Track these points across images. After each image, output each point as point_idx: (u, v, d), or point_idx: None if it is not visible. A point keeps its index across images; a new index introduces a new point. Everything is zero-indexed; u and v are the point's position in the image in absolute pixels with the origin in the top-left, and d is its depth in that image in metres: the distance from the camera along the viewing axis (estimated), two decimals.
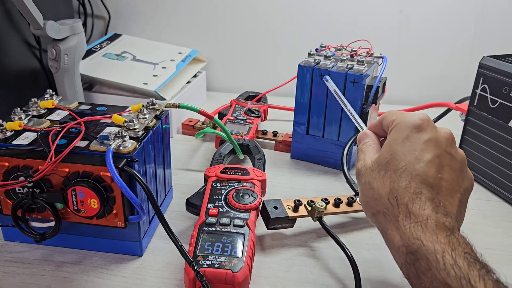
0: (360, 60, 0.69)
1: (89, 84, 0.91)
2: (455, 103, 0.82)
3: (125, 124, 0.49)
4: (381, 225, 0.40)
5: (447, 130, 0.42)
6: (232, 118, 0.79)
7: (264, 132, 0.82)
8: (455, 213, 0.39)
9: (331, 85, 0.65)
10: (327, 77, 0.66)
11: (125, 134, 0.47)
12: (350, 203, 0.58)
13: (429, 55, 1.05)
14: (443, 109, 0.86)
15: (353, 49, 0.75)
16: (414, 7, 1.00)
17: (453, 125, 0.87)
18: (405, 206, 0.38)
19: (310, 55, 0.73)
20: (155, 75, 0.87)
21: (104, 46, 0.97)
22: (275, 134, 0.82)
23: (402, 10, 1.01)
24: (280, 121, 0.93)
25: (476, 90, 0.69)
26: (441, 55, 1.04)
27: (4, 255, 0.51)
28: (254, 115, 0.81)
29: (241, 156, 0.67)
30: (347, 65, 0.69)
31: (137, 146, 0.47)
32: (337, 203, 0.57)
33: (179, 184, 0.67)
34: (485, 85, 0.67)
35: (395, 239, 0.38)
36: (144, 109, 0.53)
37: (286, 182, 0.70)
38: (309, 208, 0.55)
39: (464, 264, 0.33)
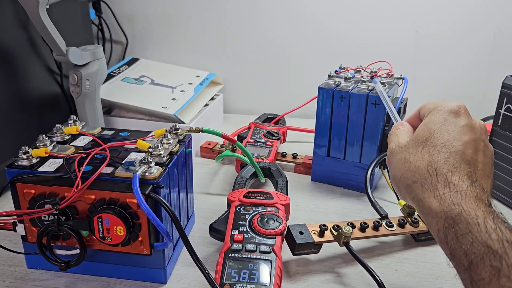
0: (382, 81, 0.68)
1: (108, 108, 0.92)
2: None
3: (150, 150, 0.49)
4: (417, 195, 0.40)
5: (481, 121, 0.45)
6: (251, 141, 0.79)
7: (284, 154, 0.81)
8: (489, 193, 0.39)
9: (378, 86, 0.66)
10: (376, 79, 0.67)
11: (151, 160, 0.47)
12: (376, 227, 0.57)
13: (445, 75, 1.04)
14: None
15: (373, 70, 0.75)
16: (430, 28, 1.00)
17: None
18: (444, 176, 0.39)
19: (330, 77, 0.73)
20: (173, 99, 0.88)
21: (123, 71, 0.98)
22: (294, 156, 0.81)
23: (418, 30, 1.01)
24: (299, 143, 0.92)
25: (500, 110, 0.68)
26: (458, 74, 1.03)
27: (27, 283, 0.51)
28: (274, 137, 0.81)
29: (263, 180, 0.67)
30: (368, 86, 0.69)
31: (162, 172, 0.47)
32: (363, 227, 0.56)
33: (200, 208, 0.66)
34: (509, 105, 0.66)
35: (433, 205, 0.38)
36: (168, 134, 0.53)
37: (308, 206, 0.69)
38: (335, 233, 0.54)
39: (505, 230, 0.34)
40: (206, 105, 0.94)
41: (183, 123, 0.83)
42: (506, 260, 0.32)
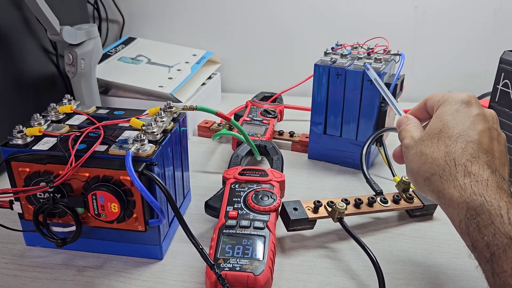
0: (378, 58, 0.68)
1: (105, 88, 0.91)
2: None
3: (144, 128, 0.49)
4: (436, 187, 0.40)
5: (492, 110, 0.44)
6: (248, 119, 0.79)
7: (281, 133, 0.81)
8: (509, 183, 0.39)
9: (372, 73, 0.64)
10: (368, 65, 0.65)
11: (144, 138, 0.47)
12: (370, 203, 0.57)
13: (445, 51, 1.03)
14: None
15: (370, 47, 0.74)
16: (430, 3, 0.98)
17: None
18: (463, 166, 0.38)
19: (326, 54, 0.73)
20: (170, 78, 0.87)
21: (119, 50, 0.97)
22: (291, 134, 0.81)
23: (417, 6, 0.99)
24: (296, 121, 0.92)
25: (498, 86, 0.67)
26: (458, 51, 1.02)
27: (26, 260, 0.52)
28: (270, 115, 0.81)
29: (259, 158, 0.67)
30: (364, 63, 0.68)
31: (156, 150, 0.47)
32: (358, 204, 0.56)
33: (197, 186, 0.67)
34: (506, 81, 0.65)
35: (454, 196, 0.38)
36: (162, 112, 0.53)
37: (304, 183, 0.70)
38: (329, 209, 0.54)
39: None
40: (203, 84, 0.94)
41: (180, 102, 0.83)
42: None
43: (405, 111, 0.51)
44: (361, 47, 0.76)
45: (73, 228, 0.48)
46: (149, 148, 0.46)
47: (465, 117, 0.42)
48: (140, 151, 0.46)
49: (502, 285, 0.33)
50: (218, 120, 0.86)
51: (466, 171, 0.38)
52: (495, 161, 0.39)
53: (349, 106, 0.69)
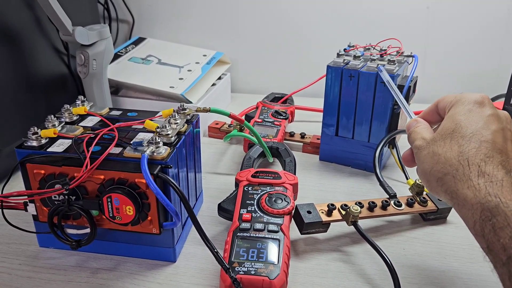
0: (391, 59, 0.67)
1: (115, 88, 0.92)
2: None
3: (158, 130, 0.49)
4: (449, 187, 0.39)
5: (505, 111, 0.44)
6: (259, 120, 0.79)
7: (292, 134, 0.81)
8: None
9: (385, 75, 0.64)
10: (381, 67, 0.65)
11: (159, 140, 0.47)
12: (384, 206, 0.57)
13: (457, 52, 1.02)
14: None
15: (382, 48, 0.74)
16: (442, 3, 0.98)
17: None
18: (477, 166, 0.38)
19: (338, 55, 0.72)
20: (181, 78, 0.87)
21: (129, 50, 0.97)
22: (302, 136, 0.81)
23: (429, 6, 0.98)
24: (307, 122, 0.92)
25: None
26: (470, 52, 1.02)
27: (40, 261, 0.52)
28: (282, 117, 0.80)
29: (271, 159, 0.66)
30: (377, 65, 0.68)
31: (171, 152, 0.47)
32: (371, 207, 0.56)
33: (208, 188, 0.67)
34: None
35: (468, 197, 0.37)
36: (176, 114, 0.53)
37: (316, 185, 0.69)
38: (343, 212, 0.54)
39: None
40: (213, 84, 0.94)
41: (191, 102, 0.83)
42: None
43: (416, 113, 0.50)
44: (374, 48, 0.75)
45: (87, 230, 0.48)
46: (164, 151, 0.46)
47: (478, 117, 0.41)
48: (155, 154, 0.46)
49: None
50: (228, 121, 0.86)
51: (480, 171, 0.37)
52: (510, 162, 0.38)
53: (361, 108, 0.69)
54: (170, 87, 0.84)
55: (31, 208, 0.49)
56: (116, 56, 0.94)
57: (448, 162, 0.40)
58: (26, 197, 0.48)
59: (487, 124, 0.40)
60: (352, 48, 0.75)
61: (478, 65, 1.03)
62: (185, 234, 0.55)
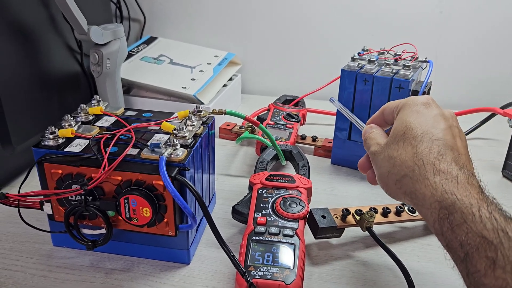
0: (406, 64, 0.67)
1: (127, 87, 0.92)
2: (501, 108, 0.79)
3: (175, 132, 0.49)
4: (408, 188, 0.40)
5: (450, 110, 0.45)
6: (271, 123, 0.79)
7: (303, 137, 0.81)
8: (478, 178, 0.39)
9: (337, 104, 0.67)
10: (333, 98, 0.67)
11: (176, 142, 0.47)
12: (398, 212, 0.56)
13: (470, 57, 1.02)
14: (485, 114, 0.83)
15: (397, 53, 0.73)
16: (455, 8, 0.97)
17: (499, 130, 0.84)
18: (432, 165, 0.38)
19: (353, 59, 0.72)
20: (193, 79, 0.87)
21: (141, 50, 0.98)
22: (314, 139, 0.80)
23: (442, 11, 0.98)
24: (318, 125, 0.91)
25: None
26: (484, 57, 1.01)
27: (54, 260, 0.52)
28: (294, 119, 0.80)
29: (284, 162, 0.66)
30: (392, 69, 0.67)
31: (188, 154, 0.47)
32: (386, 213, 0.56)
33: (221, 189, 0.67)
34: None
35: (426, 196, 0.38)
36: (192, 116, 0.53)
37: (328, 189, 0.69)
38: (358, 218, 0.54)
39: (500, 218, 0.33)
40: (224, 85, 0.94)
41: (203, 103, 0.83)
42: (501, 251, 0.31)
43: None
44: (388, 53, 0.75)
45: (102, 230, 0.48)
46: (181, 153, 0.46)
47: (426, 117, 0.42)
48: (172, 156, 0.46)
49: (476, 285, 0.32)
50: (239, 122, 0.86)
51: (435, 169, 0.38)
52: (462, 157, 0.39)
53: (375, 112, 0.68)
54: (182, 87, 0.84)
55: (47, 207, 0.49)
56: (128, 55, 0.94)
57: (404, 164, 0.40)
58: (42, 196, 0.48)
59: (436, 123, 0.42)
60: (366, 52, 0.75)
61: (490, 71, 1.02)
62: (199, 236, 0.55)
